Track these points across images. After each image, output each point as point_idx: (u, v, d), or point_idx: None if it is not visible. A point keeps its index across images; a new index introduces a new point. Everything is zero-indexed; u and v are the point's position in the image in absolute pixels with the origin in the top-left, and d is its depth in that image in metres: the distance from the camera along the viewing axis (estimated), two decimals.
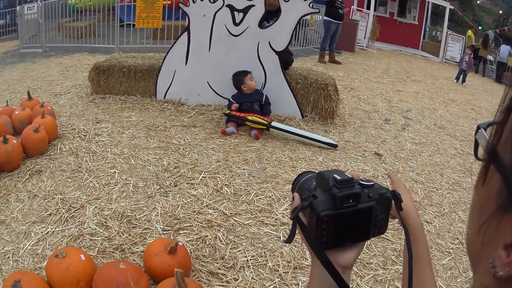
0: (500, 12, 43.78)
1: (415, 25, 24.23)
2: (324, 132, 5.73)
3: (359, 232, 0.94)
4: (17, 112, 5.23)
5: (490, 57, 20.84)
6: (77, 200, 3.64)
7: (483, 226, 0.57)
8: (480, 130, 0.67)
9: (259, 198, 3.79)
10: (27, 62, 11.10)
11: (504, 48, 20.02)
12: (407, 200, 1.08)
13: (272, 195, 3.86)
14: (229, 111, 5.59)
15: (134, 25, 11.97)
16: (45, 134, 4.57)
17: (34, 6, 14.63)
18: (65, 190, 3.80)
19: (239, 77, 5.75)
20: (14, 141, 4.25)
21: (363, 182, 0.92)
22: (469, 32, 23.30)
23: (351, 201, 0.88)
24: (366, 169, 4.71)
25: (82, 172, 4.12)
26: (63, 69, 9.56)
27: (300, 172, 1.15)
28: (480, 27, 34.56)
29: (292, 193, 1.07)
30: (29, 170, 4.15)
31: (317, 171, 1.04)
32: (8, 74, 9.60)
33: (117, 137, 5.04)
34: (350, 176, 0.90)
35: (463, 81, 13.96)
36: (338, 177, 0.89)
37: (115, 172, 4.12)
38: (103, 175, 4.08)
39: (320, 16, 14.31)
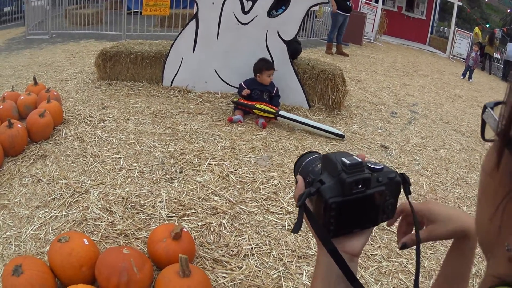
0: (508, 10, 43.64)
1: (423, 20, 24.19)
2: (331, 123, 5.71)
3: (368, 218, 0.90)
4: (22, 97, 5.21)
5: (496, 55, 20.75)
6: (81, 185, 3.62)
7: (497, 210, 0.55)
8: (487, 110, 0.65)
9: (265, 186, 3.77)
10: (34, 48, 11.09)
11: (511, 47, 19.93)
12: (462, 213, 1.03)
13: (277, 183, 3.84)
14: (237, 99, 5.57)
15: (141, 12, 11.93)
16: (51, 119, 4.55)
17: None
18: (70, 175, 3.78)
19: (261, 66, 5.69)
20: (19, 125, 4.24)
21: (372, 166, 0.88)
22: (476, 29, 23.21)
23: (360, 186, 0.84)
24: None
25: (87, 157, 4.10)
26: (70, 55, 9.54)
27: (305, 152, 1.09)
28: (487, 25, 34.47)
29: (295, 176, 1.03)
30: (33, 154, 4.14)
31: (319, 153, 1.01)
32: (14, 60, 9.59)
33: (123, 123, 5.02)
34: (359, 159, 0.86)
35: (470, 77, 13.93)
36: (347, 161, 0.85)
37: (120, 158, 4.10)
38: (108, 160, 4.06)
39: (328, 8, 14.27)
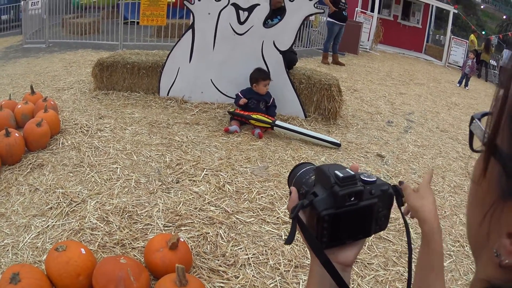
0: (504, 17, 43.82)
1: (418, 29, 24.31)
2: (327, 133, 5.72)
3: (361, 229, 0.92)
4: (19, 106, 5.23)
5: (492, 62, 20.83)
6: (78, 194, 3.63)
7: (485, 216, 0.57)
8: (474, 121, 0.68)
9: (261, 197, 3.79)
10: (31, 57, 11.12)
11: (507, 53, 19.99)
12: (428, 203, 1.06)
13: (274, 193, 3.85)
14: (233, 110, 5.59)
15: (138, 22, 11.97)
16: (48, 128, 4.56)
17: (38, 1, 14.64)
18: (67, 184, 3.79)
19: (258, 75, 5.72)
20: (16, 134, 4.25)
21: (365, 178, 0.89)
22: (472, 37, 23.29)
23: (353, 199, 0.86)
24: (368, 170, 4.70)
25: (84, 167, 4.12)
26: (67, 64, 9.57)
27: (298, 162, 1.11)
28: (483, 32, 34.56)
29: (289, 187, 1.04)
30: (30, 164, 4.15)
31: (315, 164, 1.02)
32: (11, 68, 9.61)
33: (120, 133, 5.04)
34: (352, 172, 0.88)
35: (466, 85, 13.99)
36: (340, 174, 0.86)
37: (117, 168, 4.12)
38: (105, 170, 4.08)
39: (324, 17, 14.33)
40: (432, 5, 24.30)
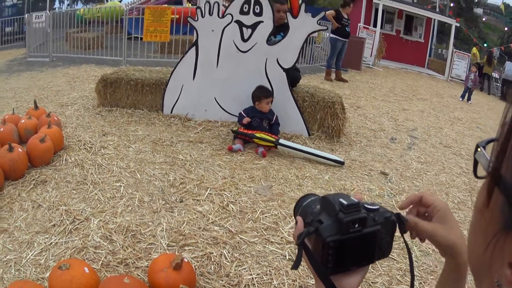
0: (506, 28, 43.97)
1: (421, 43, 24.36)
2: (331, 151, 5.71)
3: (364, 256, 0.94)
4: (23, 121, 5.24)
5: (495, 74, 20.84)
6: (81, 212, 3.63)
7: (488, 246, 0.57)
8: (479, 149, 0.68)
9: (265, 216, 3.77)
10: (34, 71, 11.24)
11: (509, 65, 20.02)
12: (458, 236, 1.05)
13: (278, 213, 3.84)
14: (236, 128, 5.60)
15: (141, 38, 12.02)
16: (51, 144, 4.57)
17: (42, 15, 14.79)
18: (70, 201, 3.79)
19: (260, 93, 5.74)
20: (19, 149, 4.26)
21: (369, 206, 0.93)
22: (474, 50, 23.37)
23: (357, 225, 0.89)
24: (372, 188, 4.68)
25: (87, 184, 4.12)
26: (70, 79, 9.65)
27: (304, 194, 1.13)
28: (485, 44, 34.66)
29: (295, 217, 1.06)
30: (33, 179, 4.15)
31: (320, 194, 1.04)
32: (15, 82, 9.71)
33: (123, 150, 5.04)
34: (356, 200, 0.90)
35: (469, 99, 14.00)
36: (344, 202, 0.89)
37: (121, 186, 4.11)
38: (108, 188, 4.07)
39: (327, 34, 14.38)
40: (434, 19, 24.38)
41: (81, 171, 4.41)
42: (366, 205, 0.93)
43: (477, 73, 14.84)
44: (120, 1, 41.55)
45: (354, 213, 0.88)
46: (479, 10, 62.98)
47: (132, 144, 5.26)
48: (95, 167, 4.49)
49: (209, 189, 4.15)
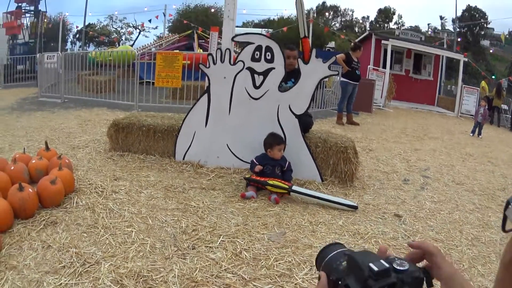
0: None
1: (430, 81, 24.68)
2: (344, 196, 5.67)
3: None
4: (34, 161, 5.30)
5: (504, 106, 20.87)
6: (92, 255, 3.59)
7: None
8: (510, 205, 0.67)
9: (279, 263, 3.71)
10: (46, 111, 11.51)
11: None
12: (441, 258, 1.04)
13: (292, 259, 3.77)
14: (249, 176, 5.57)
15: (153, 83, 12.14)
16: (62, 186, 4.58)
17: (54, 55, 15.11)
18: (80, 244, 3.75)
19: (271, 141, 5.73)
20: (30, 189, 4.28)
21: (398, 267, 0.89)
22: (483, 83, 23.55)
23: None
24: (386, 231, 4.62)
25: (98, 228, 4.09)
26: (82, 122, 9.80)
27: (327, 244, 1.11)
28: (493, 77, 34.87)
29: (318, 270, 1.04)
30: (44, 220, 4.15)
31: (343, 246, 1.04)
32: (27, 121, 9.90)
33: (135, 196, 5.03)
34: (386, 265, 0.87)
35: (479, 133, 14.09)
36: (375, 268, 0.85)
37: (132, 231, 4.07)
38: (119, 233, 4.04)
39: (338, 77, 14.50)
40: (443, 56, 24.60)
41: (92, 214, 4.39)
42: (395, 266, 0.89)
43: (486, 107, 14.89)
44: (132, 46, 42.38)
45: (383, 279, 0.85)
46: (485, 42, 63.74)
47: (144, 189, 5.25)
48: (106, 211, 4.48)
49: (222, 236, 4.10)
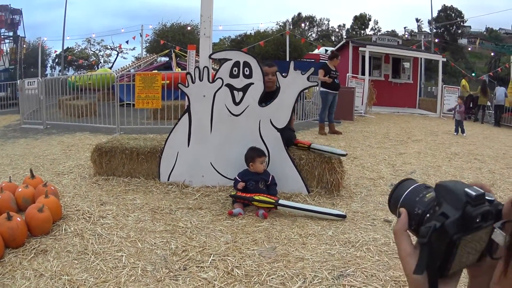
0: (492, 54, 44.81)
1: (410, 84, 24.84)
2: (331, 205, 5.70)
3: (476, 254, 0.84)
4: (20, 189, 5.29)
5: (488, 103, 21.04)
6: (84, 282, 3.57)
7: None
8: (495, 230, 0.68)
9: (272, 278, 3.71)
10: (29, 138, 11.57)
11: (500, 90, 20.24)
12: None
13: (284, 274, 3.77)
14: (235, 193, 5.56)
15: (134, 104, 12.13)
16: (49, 214, 4.58)
17: (34, 81, 15.11)
18: (72, 271, 3.74)
19: (252, 154, 5.75)
20: (18, 218, 4.28)
21: (488, 197, 0.82)
22: (463, 82, 23.73)
23: (478, 220, 0.80)
24: (377, 238, 4.63)
25: (88, 254, 4.07)
26: (65, 148, 9.81)
27: (397, 182, 1.03)
28: (473, 74, 35.15)
29: (391, 210, 0.99)
30: (34, 248, 4.14)
31: (415, 181, 0.98)
32: (11, 148, 9.95)
33: (122, 220, 5.01)
34: (480, 190, 0.82)
35: (462, 131, 14.17)
36: (472, 192, 0.80)
37: (122, 256, 4.06)
38: (110, 258, 4.02)
39: (317, 88, 14.56)
40: (421, 58, 24.82)
41: (81, 241, 4.38)
42: (487, 196, 0.82)
43: (462, 104, 15.02)
44: (111, 68, 42.30)
45: (481, 205, 0.80)
46: (463, 41, 64.37)
47: (131, 213, 5.24)
48: (95, 237, 4.47)
49: (212, 255, 4.09)
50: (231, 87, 6.08)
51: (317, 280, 3.61)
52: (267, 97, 6.15)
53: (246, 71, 6.01)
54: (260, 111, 6.05)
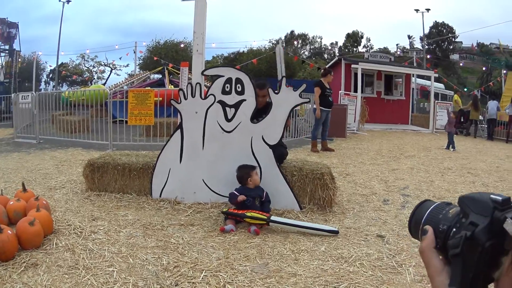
0: (484, 68, 45.04)
1: (402, 101, 24.84)
2: (324, 221, 5.69)
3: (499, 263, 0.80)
4: (11, 203, 5.27)
5: (480, 117, 21.15)
6: None
7: None
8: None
9: None
10: (22, 152, 11.61)
11: (492, 104, 20.39)
12: None
13: None
14: (226, 209, 5.55)
15: (126, 121, 12.12)
16: (40, 228, 4.55)
17: (28, 95, 15.12)
18: (62, 286, 3.70)
19: (246, 171, 5.76)
20: (9, 231, 4.25)
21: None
22: (455, 97, 23.84)
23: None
24: (370, 253, 4.62)
25: (79, 269, 4.03)
26: (58, 163, 9.82)
27: (416, 205, 1.01)
28: (465, 89, 35.33)
29: (412, 234, 0.98)
30: (24, 262, 4.10)
31: (432, 201, 0.96)
32: (3, 162, 9.96)
33: (114, 235, 4.99)
34: (506, 196, 0.81)
35: (453, 147, 14.19)
36: (498, 198, 0.80)
37: (113, 271, 4.03)
38: (101, 273, 3.98)
39: (309, 105, 14.57)
40: (413, 74, 24.93)
41: (72, 255, 4.34)
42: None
43: (452, 115, 15.11)
44: (104, 84, 42.40)
45: (508, 209, 0.79)
46: (455, 56, 64.88)
47: (122, 228, 5.21)
48: (87, 252, 4.43)
49: (204, 271, 4.06)
50: (223, 104, 6.09)
51: None
52: (259, 113, 6.17)
53: (238, 87, 6.02)
54: (252, 128, 6.06)
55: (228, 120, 6.10)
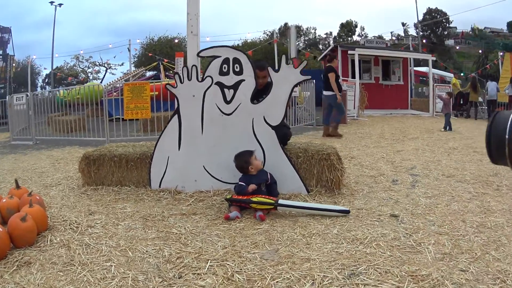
0: (480, 51, 45.22)
1: (401, 85, 24.89)
2: (333, 204, 5.45)
3: None
4: (4, 200, 5.02)
5: (480, 99, 21.13)
6: None
7: None
8: None
9: (277, 282, 3.39)
10: (18, 153, 11.67)
11: (492, 85, 20.47)
12: None
13: (290, 276, 3.46)
14: (230, 196, 5.29)
15: (123, 119, 12.00)
16: (33, 223, 4.32)
17: (23, 96, 15.13)
18: (57, 284, 3.44)
19: (245, 158, 5.46)
20: (0, 229, 4.04)
21: None
22: (454, 80, 23.92)
23: None
24: (385, 233, 4.38)
25: (74, 265, 3.78)
26: (54, 161, 9.80)
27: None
28: (462, 74, 35.51)
29: (504, 149, 0.95)
30: (17, 261, 3.86)
31: None
32: None
33: (112, 228, 4.74)
34: None
35: (450, 129, 14.31)
36: None
37: (111, 266, 3.76)
38: (98, 268, 3.72)
39: (308, 93, 14.48)
40: (410, 58, 24.89)
41: (68, 251, 4.11)
42: None
43: (446, 96, 15.15)
44: (101, 82, 42.50)
45: None
46: (450, 42, 65.53)
47: (121, 221, 4.97)
48: (83, 247, 4.20)
49: (209, 260, 3.80)
50: (221, 85, 5.84)
51: (327, 280, 3.31)
52: (259, 94, 5.93)
53: (236, 67, 5.78)
54: (253, 109, 5.81)
55: (227, 102, 5.85)
